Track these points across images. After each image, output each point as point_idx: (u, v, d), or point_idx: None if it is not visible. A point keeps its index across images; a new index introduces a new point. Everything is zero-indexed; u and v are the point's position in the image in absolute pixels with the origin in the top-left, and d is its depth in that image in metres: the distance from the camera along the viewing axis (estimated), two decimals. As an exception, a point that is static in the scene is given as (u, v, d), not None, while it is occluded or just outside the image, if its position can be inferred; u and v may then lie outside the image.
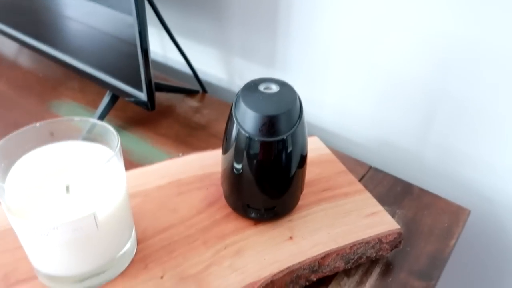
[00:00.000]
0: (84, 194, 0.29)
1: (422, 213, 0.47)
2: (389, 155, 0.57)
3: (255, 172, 0.35)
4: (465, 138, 0.50)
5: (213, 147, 0.56)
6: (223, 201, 0.41)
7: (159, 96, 0.66)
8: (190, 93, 0.68)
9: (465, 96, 0.48)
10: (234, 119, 0.34)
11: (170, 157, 0.48)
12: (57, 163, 0.31)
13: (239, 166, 0.36)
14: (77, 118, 0.32)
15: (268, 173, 0.35)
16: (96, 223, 0.29)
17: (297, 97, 0.35)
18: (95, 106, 0.62)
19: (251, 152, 0.34)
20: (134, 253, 0.35)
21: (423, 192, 0.50)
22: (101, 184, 0.30)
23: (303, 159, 0.37)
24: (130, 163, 0.52)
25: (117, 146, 0.30)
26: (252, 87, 0.35)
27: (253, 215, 0.38)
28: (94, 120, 0.32)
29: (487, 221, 0.51)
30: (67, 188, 0.29)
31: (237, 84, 0.71)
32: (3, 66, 0.76)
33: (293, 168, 0.36)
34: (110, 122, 0.60)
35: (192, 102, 0.66)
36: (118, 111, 0.62)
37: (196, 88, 0.69)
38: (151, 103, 0.51)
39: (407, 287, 0.38)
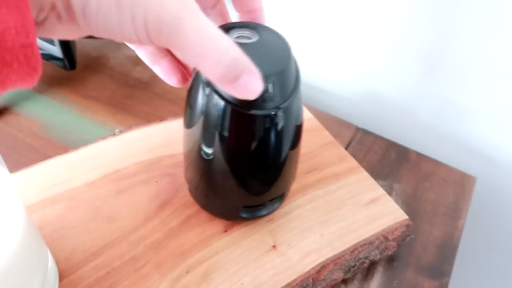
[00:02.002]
0: None
1: (423, 185, 0.39)
2: (379, 111, 0.48)
3: (239, 160, 0.25)
4: (468, 91, 0.41)
5: (161, 113, 0.44)
6: (180, 198, 0.31)
7: (86, 44, 0.51)
8: (126, 37, 0.53)
9: (471, 42, 0.38)
10: (203, 79, 0.23)
11: (103, 137, 0.35)
12: None
13: (210, 150, 0.25)
14: None
15: (248, 162, 0.25)
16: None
17: (290, 50, 0.23)
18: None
19: (234, 129, 0.23)
20: (55, 298, 0.25)
21: (421, 157, 0.42)
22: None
23: (298, 137, 0.27)
24: (50, 142, 0.39)
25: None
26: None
27: (231, 214, 0.28)
28: None
29: (494, 188, 0.45)
30: None
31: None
32: None
33: (287, 152, 0.26)
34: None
35: (130, 51, 0.52)
36: (30, 67, 0.47)
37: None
38: (69, 60, 0.37)
39: (417, 290, 0.31)
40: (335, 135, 0.41)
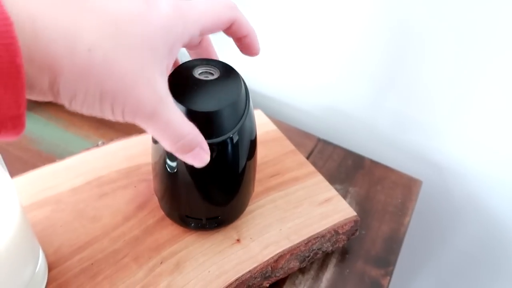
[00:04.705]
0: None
1: (375, 188, 0.44)
2: (338, 124, 0.53)
3: (192, 178, 0.29)
4: (416, 104, 0.47)
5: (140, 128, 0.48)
6: (155, 201, 0.35)
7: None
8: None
9: (418, 62, 0.44)
10: None
11: (87, 148, 0.39)
12: None
13: (173, 165, 0.29)
14: None
15: (207, 179, 0.29)
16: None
17: (242, 86, 0.28)
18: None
19: None
20: (45, 285, 0.28)
21: (374, 164, 0.47)
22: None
23: (252, 158, 0.31)
24: (39, 154, 0.43)
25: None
26: (185, 71, 0.27)
27: (192, 225, 0.32)
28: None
29: (438, 190, 0.50)
30: None
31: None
32: None
33: (240, 172, 0.30)
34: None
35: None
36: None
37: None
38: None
39: (365, 278, 0.36)
40: (299, 145, 0.46)
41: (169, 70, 0.23)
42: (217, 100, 0.26)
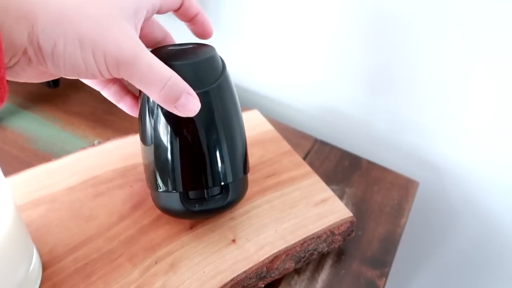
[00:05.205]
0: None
1: (372, 189, 0.44)
2: (335, 125, 0.53)
3: (186, 140, 0.28)
4: (412, 105, 0.47)
5: (138, 128, 0.48)
6: (151, 201, 0.34)
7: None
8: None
9: (415, 62, 0.44)
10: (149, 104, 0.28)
11: (83, 147, 0.39)
12: None
13: (163, 137, 0.28)
14: None
15: (200, 135, 0.28)
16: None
17: (215, 50, 0.29)
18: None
19: (165, 115, 0.27)
20: (39, 284, 0.28)
21: (371, 165, 0.47)
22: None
23: (236, 118, 0.30)
24: (35, 154, 0.43)
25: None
26: (160, 48, 0.29)
27: (196, 206, 0.30)
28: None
29: (435, 191, 0.50)
30: None
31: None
32: None
33: (231, 125, 0.29)
34: (7, 100, 0.49)
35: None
36: (16, 85, 0.50)
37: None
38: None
39: (361, 279, 0.35)
40: (296, 145, 0.46)
41: (137, 33, 0.23)
42: (195, 56, 0.27)
